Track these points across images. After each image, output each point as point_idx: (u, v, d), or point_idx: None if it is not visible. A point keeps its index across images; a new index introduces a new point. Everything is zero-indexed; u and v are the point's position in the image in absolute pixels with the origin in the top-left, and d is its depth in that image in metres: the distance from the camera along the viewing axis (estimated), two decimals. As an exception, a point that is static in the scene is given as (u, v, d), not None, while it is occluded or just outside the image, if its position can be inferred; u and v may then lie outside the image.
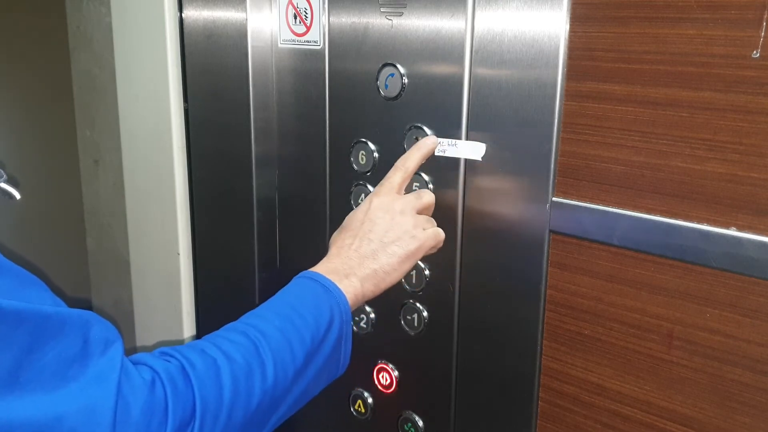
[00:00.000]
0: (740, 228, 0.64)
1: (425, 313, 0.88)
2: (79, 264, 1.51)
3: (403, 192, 0.83)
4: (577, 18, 0.69)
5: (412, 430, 0.93)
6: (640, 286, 0.71)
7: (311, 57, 0.93)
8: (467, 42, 0.77)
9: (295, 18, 0.93)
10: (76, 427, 0.53)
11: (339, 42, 0.89)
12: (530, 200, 0.76)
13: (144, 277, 1.26)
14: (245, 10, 0.96)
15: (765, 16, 0.59)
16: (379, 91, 0.86)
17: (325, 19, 0.90)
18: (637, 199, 0.69)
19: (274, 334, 0.69)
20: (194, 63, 1.05)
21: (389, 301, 0.90)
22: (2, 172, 0.72)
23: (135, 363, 0.60)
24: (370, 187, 0.89)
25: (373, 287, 0.78)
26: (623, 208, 0.70)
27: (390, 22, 0.83)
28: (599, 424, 0.77)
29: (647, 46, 0.66)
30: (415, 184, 0.84)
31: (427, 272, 0.87)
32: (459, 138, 0.80)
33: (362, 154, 0.90)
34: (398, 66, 0.83)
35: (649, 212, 0.69)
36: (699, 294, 0.67)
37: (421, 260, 0.86)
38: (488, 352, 0.83)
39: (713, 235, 0.65)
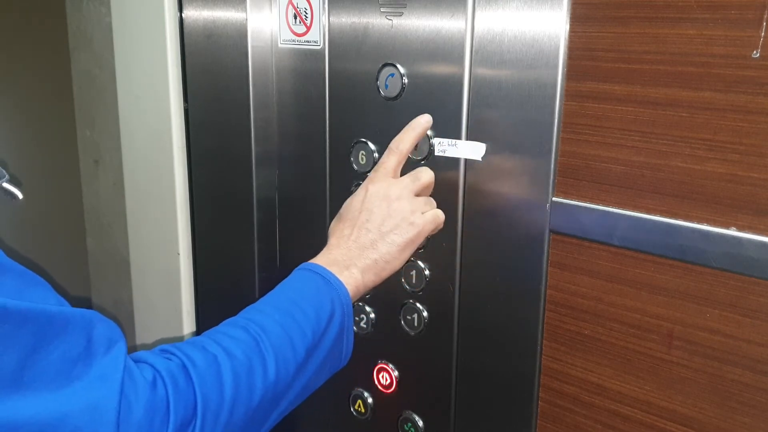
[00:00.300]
0: (740, 228, 0.64)
1: (425, 313, 0.88)
2: (79, 264, 1.51)
3: (399, 175, 0.82)
4: (577, 18, 0.69)
5: (412, 430, 0.93)
6: (640, 286, 0.71)
7: (311, 57, 0.93)
8: (467, 42, 0.77)
9: (295, 18, 0.93)
10: (80, 426, 0.53)
11: (339, 42, 0.89)
12: (530, 200, 0.76)
13: (144, 277, 1.26)
14: (245, 10, 0.96)
15: (765, 16, 0.59)
16: (379, 91, 0.86)
17: (325, 19, 0.90)
18: (637, 199, 0.69)
19: (275, 328, 0.69)
20: (194, 63, 1.05)
21: (389, 301, 0.90)
22: (4, 172, 0.72)
23: (136, 361, 0.61)
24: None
25: (374, 277, 0.78)
26: (623, 208, 0.70)
27: (390, 22, 0.83)
28: (599, 424, 0.77)
29: (647, 46, 0.66)
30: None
31: (427, 272, 0.87)
32: (459, 138, 0.80)
33: (362, 154, 0.90)
34: (398, 66, 0.83)
35: (649, 212, 0.69)
36: (699, 294, 0.67)
37: (421, 260, 0.86)
38: (488, 352, 0.83)
39: (713, 235, 0.65)
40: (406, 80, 0.83)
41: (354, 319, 0.94)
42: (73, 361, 0.55)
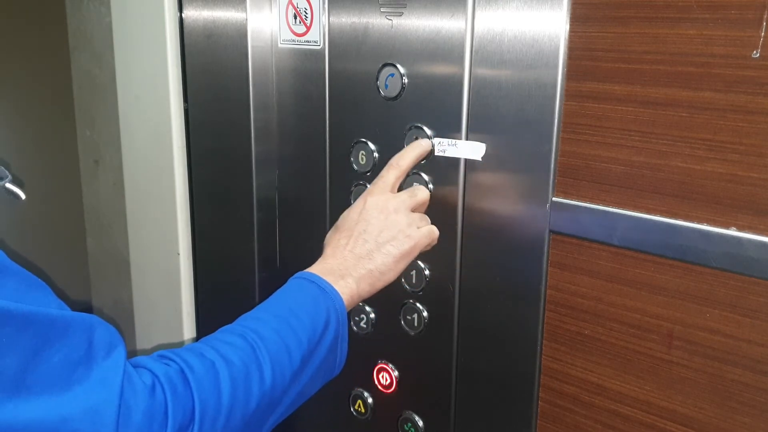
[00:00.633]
0: (740, 228, 0.64)
1: (425, 313, 0.88)
2: (79, 264, 1.51)
3: (397, 190, 0.83)
4: (577, 18, 0.69)
5: (412, 430, 0.93)
6: (640, 286, 0.71)
7: (311, 57, 0.93)
8: (467, 42, 0.77)
9: (295, 18, 0.93)
10: (81, 429, 0.53)
11: (339, 42, 0.89)
12: (530, 200, 0.76)
13: (144, 277, 1.26)
14: (245, 10, 0.96)
15: (765, 16, 0.59)
16: (379, 91, 0.86)
17: (325, 19, 0.90)
18: (637, 199, 0.69)
19: (271, 336, 0.69)
20: (194, 63, 1.05)
21: (389, 301, 0.90)
22: (7, 172, 0.73)
23: (135, 366, 0.61)
24: (370, 187, 0.89)
25: (368, 287, 0.78)
26: (623, 208, 0.70)
27: (390, 22, 0.83)
28: (599, 424, 0.77)
29: (647, 46, 0.66)
30: (415, 183, 0.84)
31: (427, 272, 0.87)
32: (459, 138, 0.80)
33: (362, 154, 0.90)
34: (398, 66, 0.83)
35: (649, 212, 0.69)
36: (699, 294, 0.67)
37: (421, 260, 0.86)
38: (488, 352, 0.83)
39: (713, 235, 0.65)
40: (406, 80, 0.83)
41: (354, 319, 0.95)
42: (74, 365, 0.55)
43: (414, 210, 0.82)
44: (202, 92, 1.06)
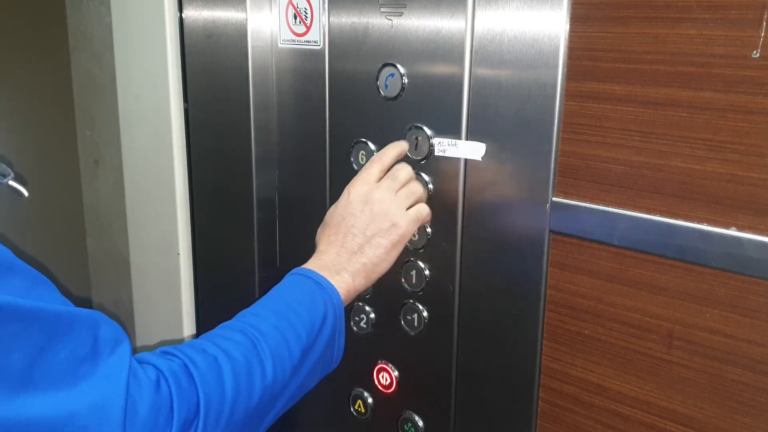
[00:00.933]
0: (740, 228, 0.64)
1: (425, 313, 0.88)
2: (79, 264, 1.51)
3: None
4: (577, 18, 0.69)
5: (412, 430, 0.93)
6: (640, 286, 0.71)
7: (311, 57, 0.93)
8: (467, 42, 0.77)
9: (295, 18, 0.93)
10: (88, 425, 0.54)
11: (339, 42, 0.89)
12: (530, 200, 0.76)
13: (144, 277, 1.26)
14: (245, 10, 0.96)
15: (765, 16, 0.59)
16: (379, 91, 0.86)
17: (325, 19, 0.90)
18: (637, 199, 0.69)
19: (271, 331, 0.70)
20: (194, 63, 1.05)
21: (389, 301, 0.90)
22: (9, 170, 0.73)
23: (139, 362, 0.61)
24: (370, 187, 0.89)
25: (364, 280, 0.79)
26: (623, 208, 0.70)
27: (390, 22, 0.83)
28: (599, 424, 0.77)
29: (647, 46, 0.66)
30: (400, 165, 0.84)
31: (427, 272, 0.87)
32: (459, 138, 0.80)
33: (362, 154, 0.90)
34: (398, 66, 0.83)
35: (649, 212, 0.69)
36: (699, 294, 0.67)
37: (421, 260, 0.86)
38: (488, 352, 0.83)
39: (713, 235, 0.65)
40: (406, 80, 0.83)
41: (354, 319, 0.95)
42: (80, 361, 0.55)
43: (402, 187, 0.82)
44: (202, 92, 1.06)
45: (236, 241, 1.06)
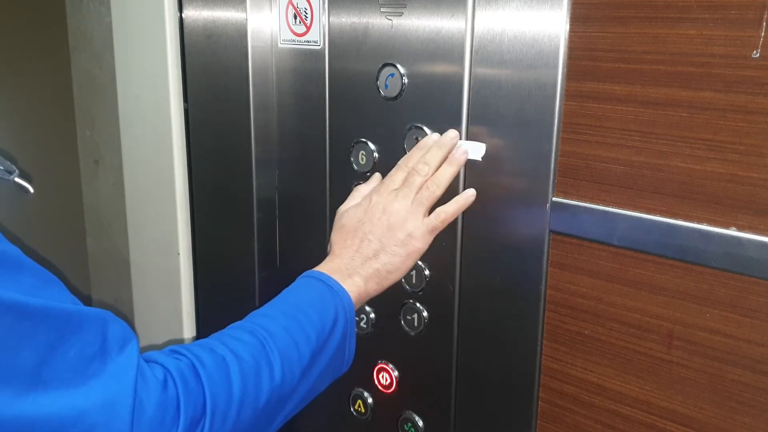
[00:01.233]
0: (740, 228, 0.64)
1: (425, 313, 0.88)
2: (79, 264, 1.51)
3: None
4: (577, 18, 0.69)
5: (412, 430, 0.93)
6: (640, 286, 0.71)
7: (311, 57, 0.93)
8: (467, 42, 0.77)
9: (295, 18, 0.93)
10: (97, 423, 0.54)
11: (339, 42, 0.89)
12: (530, 200, 0.76)
13: (144, 277, 1.26)
14: (245, 10, 0.96)
15: (765, 16, 0.59)
16: (379, 91, 0.86)
17: (325, 19, 0.90)
18: (637, 199, 0.69)
19: (281, 333, 0.70)
20: (194, 63, 1.05)
21: (389, 301, 0.90)
22: (14, 167, 0.73)
23: (147, 361, 0.62)
24: (370, 187, 0.89)
25: (376, 286, 0.79)
26: (623, 208, 0.70)
27: (390, 22, 0.83)
28: (599, 424, 0.77)
29: (647, 46, 0.66)
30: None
31: (427, 272, 0.87)
32: (459, 138, 0.80)
33: (362, 154, 0.90)
34: (398, 66, 0.83)
35: (649, 212, 0.69)
36: (699, 294, 0.67)
37: (421, 260, 0.86)
38: (488, 352, 0.83)
39: (713, 235, 0.65)
40: (406, 80, 0.83)
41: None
42: (89, 359, 0.56)
43: (417, 193, 0.80)
44: (202, 92, 1.06)
45: (236, 241, 1.06)
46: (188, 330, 1.19)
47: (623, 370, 0.74)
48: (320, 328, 0.73)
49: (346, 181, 0.92)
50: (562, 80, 0.71)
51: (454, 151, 0.79)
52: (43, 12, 1.38)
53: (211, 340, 0.68)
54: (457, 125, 0.79)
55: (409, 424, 0.93)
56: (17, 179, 0.75)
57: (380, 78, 0.85)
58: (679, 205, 0.67)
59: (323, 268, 0.79)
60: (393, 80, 0.84)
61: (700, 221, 0.66)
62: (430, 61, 0.80)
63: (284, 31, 0.95)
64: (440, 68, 0.80)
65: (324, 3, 0.89)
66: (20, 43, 1.36)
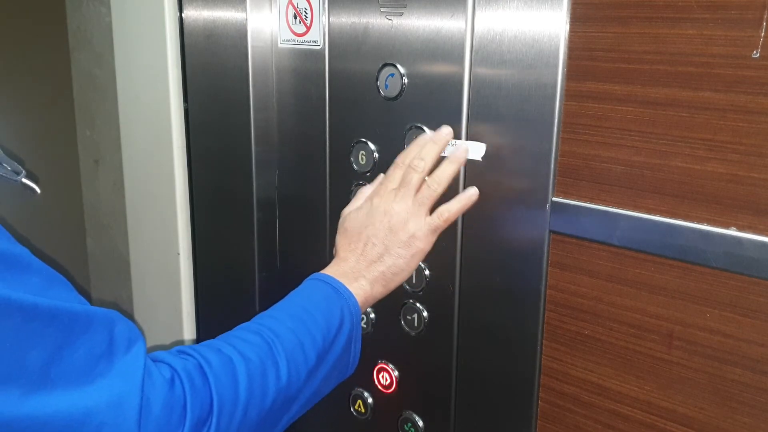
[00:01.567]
0: (740, 228, 0.64)
1: (425, 313, 0.88)
2: (79, 264, 1.51)
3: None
4: (577, 18, 0.69)
5: (412, 430, 0.93)
6: (640, 286, 0.71)
7: (311, 57, 0.93)
8: (467, 42, 0.77)
9: (295, 18, 0.93)
10: (104, 422, 0.54)
11: (339, 42, 0.89)
12: (530, 200, 0.76)
13: (144, 277, 1.26)
14: (245, 10, 0.96)
15: (765, 16, 0.59)
16: (379, 91, 0.86)
17: (325, 19, 0.90)
18: (637, 199, 0.69)
19: (287, 334, 0.71)
20: (194, 63, 1.05)
21: (389, 301, 0.90)
22: (22, 168, 0.74)
23: (154, 360, 0.62)
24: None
25: (382, 288, 0.80)
26: (623, 208, 0.70)
27: (390, 22, 0.83)
28: (599, 424, 0.77)
29: (647, 46, 0.66)
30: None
31: (427, 272, 0.87)
32: (459, 138, 0.80)
33: (362, 154, 0.90)
34: (398, 66, 0.83)
35: (649, 212, 0.69)
36: (699, 294, 0.67)
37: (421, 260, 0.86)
38: (488, 352, 0.83)
39: (713, 235, 0.65)
40: (406, 80, 0.83)
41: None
42: (97, 359, 0.56)
43: (417, 192, 0.79)
44: (202, 92, 1.06)
45: (236, 241, 1.06)
46: (188, 330, 1.19)
47: (623, 370, 0.74)
48: (326, 330, 0.73)
49: (346, 181, 0.92)
50: (562, 80, 0.71)
51: (454, 150, 0.79)
52: (43, 12, 1.38)
53: (218, 341, 0.69)
54: (457, 125, 0.79)
55: (409, 424, 0.93)
56: (24, 180, 0.75)
57: (380, 78, 0.85)
58: (679, 205, 0.67)
59: (330, 271, 0.80)
60: (393, 80, 0.84)
61: (700, 221, 0.66)
62: (430, 61, 0.80)
63: (284, 31, 0.95)
64: (440, 68, 0.80)
65: (324, 3, 0.89)
66: (20, 43, 1.36)
